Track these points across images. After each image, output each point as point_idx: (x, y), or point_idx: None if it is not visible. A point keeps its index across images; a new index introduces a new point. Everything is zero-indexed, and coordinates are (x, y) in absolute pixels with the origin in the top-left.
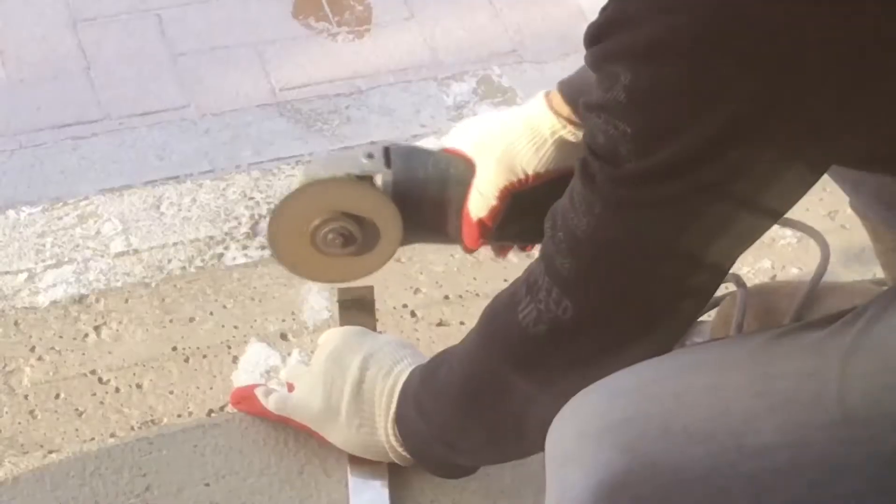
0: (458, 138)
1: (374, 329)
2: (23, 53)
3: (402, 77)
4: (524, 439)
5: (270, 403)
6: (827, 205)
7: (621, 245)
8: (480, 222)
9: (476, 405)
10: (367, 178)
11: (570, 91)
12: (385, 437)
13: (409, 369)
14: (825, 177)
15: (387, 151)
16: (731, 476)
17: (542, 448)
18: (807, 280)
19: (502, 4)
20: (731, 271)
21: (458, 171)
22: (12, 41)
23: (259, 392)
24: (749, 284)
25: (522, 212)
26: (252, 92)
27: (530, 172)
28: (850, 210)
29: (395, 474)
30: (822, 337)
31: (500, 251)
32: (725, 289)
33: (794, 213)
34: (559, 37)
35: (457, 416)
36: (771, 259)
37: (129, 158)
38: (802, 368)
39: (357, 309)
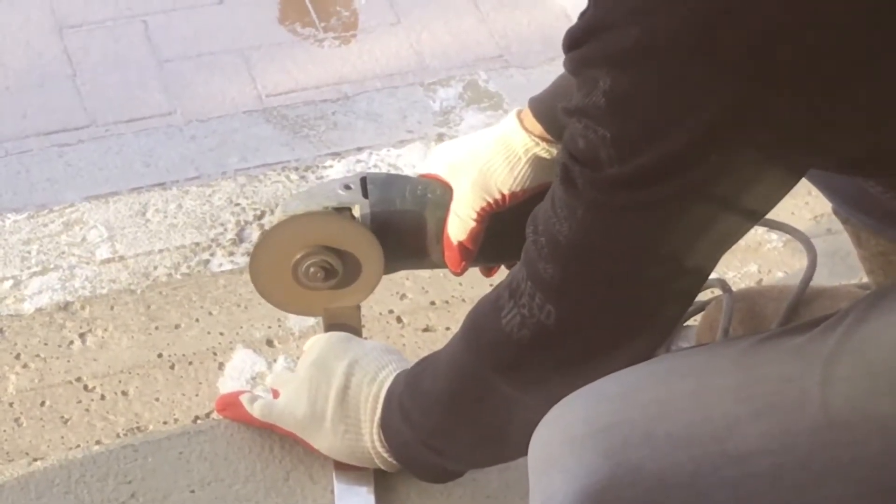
0: (433, 163)
1: (360, 335)
2: (8, 60)
3: (388, 82)
4: (509, 443)
5: (255, 410)
6: (812, 209)
7: (604, 249)
8: (461, 245)
9: (460, 410)
10: (345, 210)
11: (542, 109)
12: (370, 442)
13: (394, 375)
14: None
15: (363, 181)
16: (714, 482)
17: (522, 453)
18: (792, 284)
19: (488, 9)
20: (716, 276)
21: (435, 196)
22: None
23: (244, 399)
24: (735, 289)
25: (502, 232)
26: (238, 98)
27: (506, 192)
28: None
29: (380, 480)
30: (804, 341)
31: (488, 270)
32: (711, 293)
33: (779, 216)
34: (545, 41)
35: (441, 420)
36: (757, 263)
37: (115, 165)
38: (785, 373)
39: (342, 316)
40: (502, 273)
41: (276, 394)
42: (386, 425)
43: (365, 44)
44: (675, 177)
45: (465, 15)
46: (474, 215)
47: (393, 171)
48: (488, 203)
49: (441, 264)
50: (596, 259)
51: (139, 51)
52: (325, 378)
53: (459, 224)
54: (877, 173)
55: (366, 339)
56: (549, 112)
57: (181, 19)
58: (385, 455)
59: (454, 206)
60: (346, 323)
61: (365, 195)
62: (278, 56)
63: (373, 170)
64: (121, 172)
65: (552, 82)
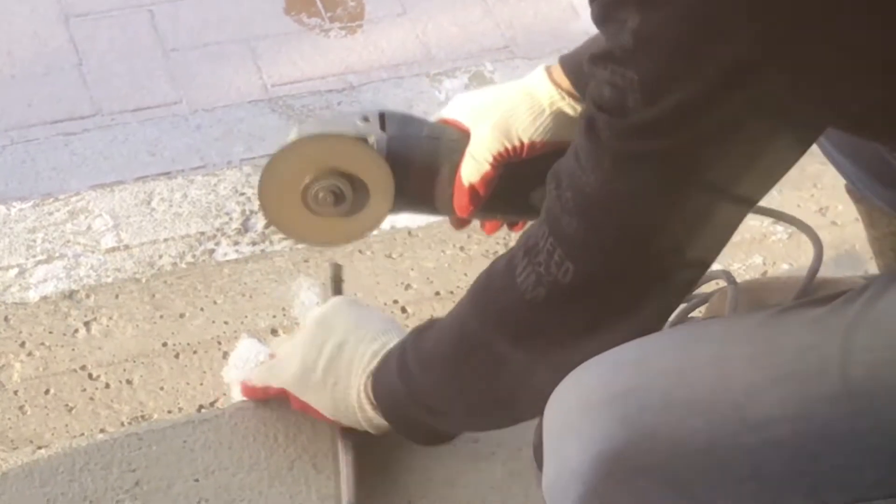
0: (454, 108)
1: None
2: (14, 49)
3: (394, 73)
4: (507, 408)
5: (254, 375)
6: (818, 201)
7: (630, 199)
8: (472, 188)
9: (462, 370)
10: (361, 139)
11: (572, 64)
12: (356, 396)
13: (395, 341)
14: (816, 172)
15: (382, 116)
16: (731, 448)
17: (523, 419)
18: (797, 276)
19: (494, 0)
20: (721, 268)
21: (452, 139)
22: (4, 36)
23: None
24: (739, 280)
25: (515, 185)
26: (244, 88)
27: (526, 141)
28: (841, 206)
29: (386, 465)
30: (824, 312)
31: (488, 226)
32: (716, 285)
33: (784, 207)
34: (551, 32)
35: (441, 379)
36: (762, 255)
37: (121, 154)
38: (805, 342)
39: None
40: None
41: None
42: (378, 379)
43: (371, 34)
44: (700, 120)
45: (471, 6)
46: (490, 159)
47: None
48: (506, 149)
49: (447, 211)
50: (622, 209)
51: (145, 40)
52: (324, 332)
53: (474, 166)
54: (892, 135)
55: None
56: (579, 67)
57: (187, 9)
58: (370, 411)
59: (471, 148)
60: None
61: (382, 128)
62: (284, 46)
63: None
64: (126, 161)
65: (583, 42)
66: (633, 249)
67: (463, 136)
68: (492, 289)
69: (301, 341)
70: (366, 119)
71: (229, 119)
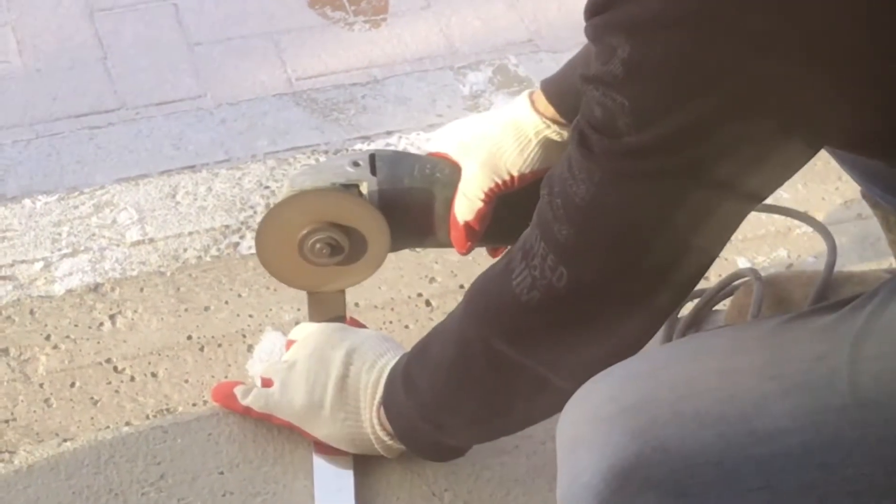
0: (442, 141)
1: (344, 321)
2: (39, 43)
3: (418, 66)
4: (509, 415)
5: (250, 400)
6: (843, 194)
7: (620, 213)
8: (467, 225)
9: (466, 377)
10: (352, 187)
11: (554, 90)
12: (371, 427)
13: (393, 362)
14: (839, 166)
15: (372, 158)
16: (741, 460)
17: (527, 424)
18: (821, 270)
19: None
20: (748, 265)
21: (443, 175)
22: (29, 31)
23: (238, 391)
24: (764, 274)
25: (509, 213)
26: (268, 81)
27: (515, 174)
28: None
29: (411, 458)
30: (831, 321)
31: (493, 251)
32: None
33: (809, 201)
34: (575, 26)
35: (445, 388)
36: (787, 248)
37: (145, 148)
38: (813, 352)
39: (328, 302)
40: None
41: (267, 382)
42: (388, 405)
43: (395, 28)
44: (692, 147)
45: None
46: (482, 196)
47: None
48: (497, 184)
49: (447, 244)
50: (611, 223)
51: (170, 34)
52: (323, 367)
53: (467, 204)
54: (889, 154)
55: (360, 328)
56: (561, 93)
57: (212, 3)
58: (385, 439)
59: (462, 186)
60: (332, 308)
61: (373, 172)
62: (308, 40)
63: None
64: (151, 155)
65: (565, 64)
66: (626, 258)
67: (454, 170)
68: (490, 292)
69: (301, 377)
70: (356, 164)
71: (253, 113)
